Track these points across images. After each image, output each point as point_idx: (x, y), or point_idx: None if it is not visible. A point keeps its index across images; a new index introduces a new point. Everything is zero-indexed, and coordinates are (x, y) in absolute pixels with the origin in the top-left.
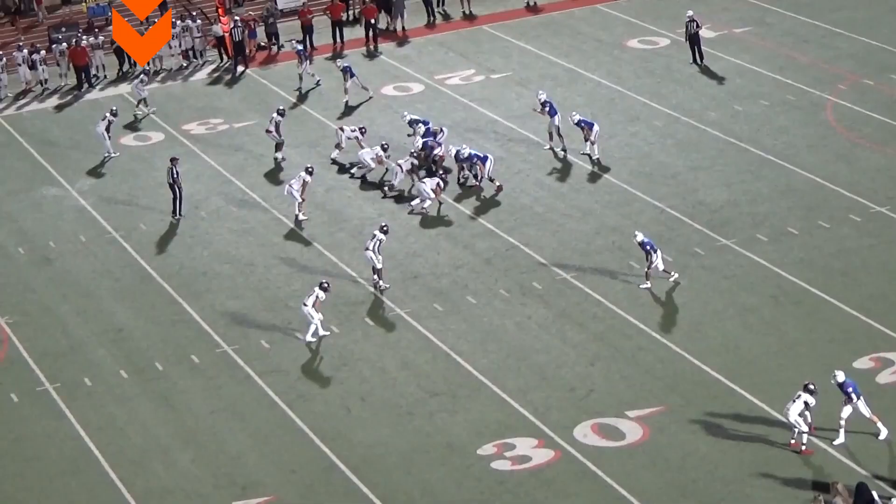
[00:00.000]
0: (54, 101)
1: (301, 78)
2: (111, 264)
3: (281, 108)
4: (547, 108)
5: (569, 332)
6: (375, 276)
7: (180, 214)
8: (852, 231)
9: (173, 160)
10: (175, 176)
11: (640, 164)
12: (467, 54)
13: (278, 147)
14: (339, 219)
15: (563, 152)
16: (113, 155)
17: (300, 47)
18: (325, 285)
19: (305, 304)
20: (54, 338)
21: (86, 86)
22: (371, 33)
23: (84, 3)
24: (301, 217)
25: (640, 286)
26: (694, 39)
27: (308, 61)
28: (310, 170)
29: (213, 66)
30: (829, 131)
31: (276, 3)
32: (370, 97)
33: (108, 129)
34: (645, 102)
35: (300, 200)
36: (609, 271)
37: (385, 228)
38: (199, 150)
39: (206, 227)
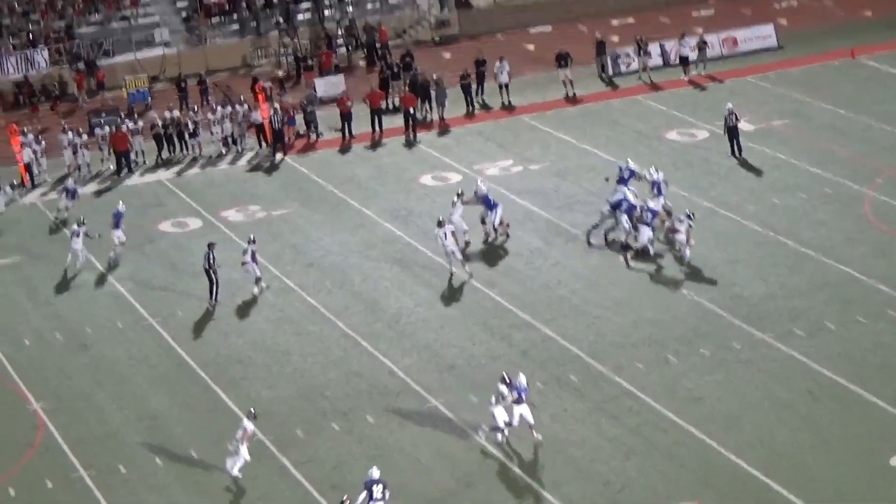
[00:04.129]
0: (94, 185)
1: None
2: (147, 351)
3: (252, 236)
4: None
5: (604, 425)
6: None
7: (216, 301)
8: (889, 326)
9: (210, 245)
10: (211, 262)
11: (677, 257)
12: (506, 144)
13: (257, 281)
14: (375, 308)
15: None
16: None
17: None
18: (253, 413)
19: (237, 439)
20: (89, 424)
21: (125, 171)
22: (410, 122)
23: (124, 89)
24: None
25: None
26: (732, 132)
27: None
28: (441, 222)
29: (251, 153)
30: (867, 225)
31: (315, 91)
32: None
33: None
34: (683, 195)
35: (459, 257)
36: (645, 364)
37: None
38: (237, 236)
39: (242, 314)
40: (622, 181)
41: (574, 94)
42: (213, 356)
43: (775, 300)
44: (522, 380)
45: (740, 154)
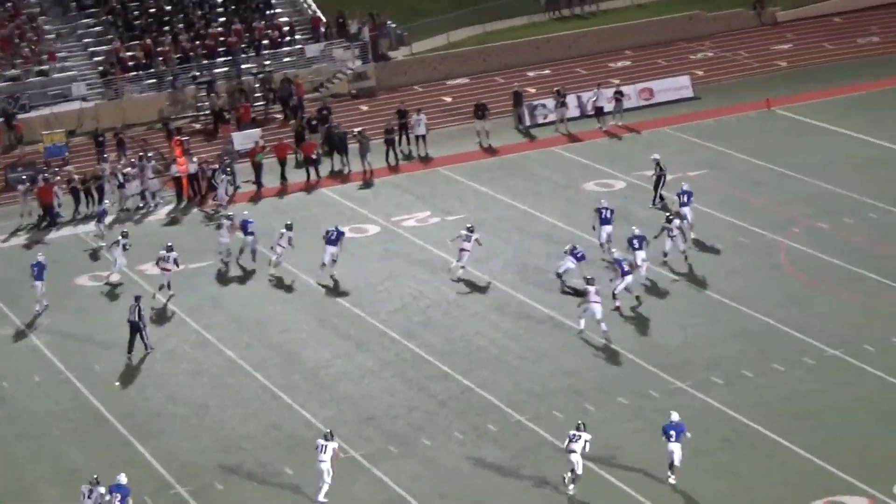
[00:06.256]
0: (17, 239)
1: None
2: (65, 405)
3: (289, 222)
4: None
5: (523, 473)
6: None
7: (151, 349)
8: (806, 374)
9: (137, 298)
10: (140, 313)
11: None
12: (423, 196)
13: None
14: (294, 360)
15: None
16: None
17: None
18: (329, 434)
19: (323, 461)
20: (7, 479)
21: (48, 224)
22: (313, 170)
23: (41, 143)
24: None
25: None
26: (658, 182)
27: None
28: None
29: (169, 207)
30: (783, 274)
31: (232, 145)
32: None
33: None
34: (600, 245)
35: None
36: (564, 413)
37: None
38: (156, 290)
39: (160, 368)
40: (606, 221)
41: (490, 144)
42: (130, 409)
43: (693, 349)
44: (675, 417)
45: (661, 202)
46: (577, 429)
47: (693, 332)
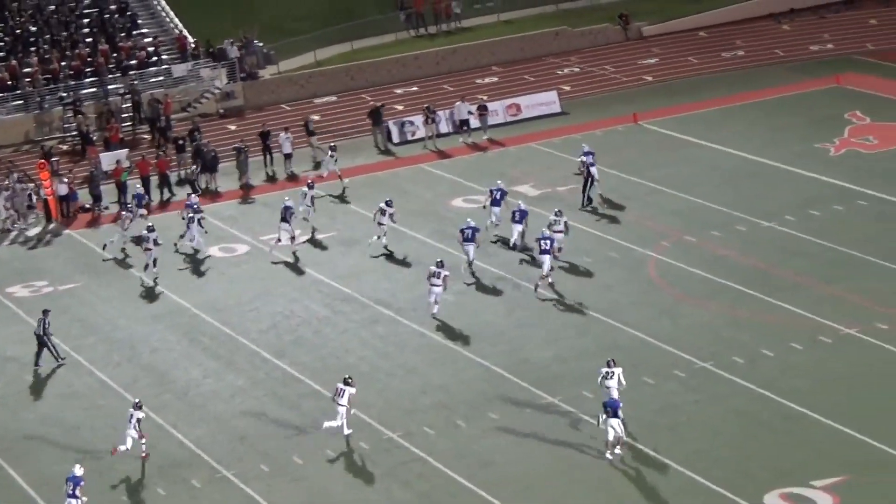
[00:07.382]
0: None
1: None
2: None
3: (310, 181)
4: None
5: (395, 491)
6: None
7: (61, 361)
8: (677, 387)
9: (45, 312)
10: (46, 328)
11: (465, 323)
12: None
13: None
14: (164, 380)
15: None
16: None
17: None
18: (349, 379)
19: (341, 404)
20: None
21: None
22: (167, 189)
23: None
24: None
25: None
26: (586, 183)
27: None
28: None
29: (38, 229)
30: (653, 288)
31: (100, 165)
32: None
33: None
34: (471, 260)
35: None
36: (435, 429)
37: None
38: (24, 312)
39: (31, 390)
40: (496, 203)
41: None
42: (1, 433)
43: (565, 363)
44: (615, 394)
45: (590, 204)
46: (608, 365)
47: (564, 346)
